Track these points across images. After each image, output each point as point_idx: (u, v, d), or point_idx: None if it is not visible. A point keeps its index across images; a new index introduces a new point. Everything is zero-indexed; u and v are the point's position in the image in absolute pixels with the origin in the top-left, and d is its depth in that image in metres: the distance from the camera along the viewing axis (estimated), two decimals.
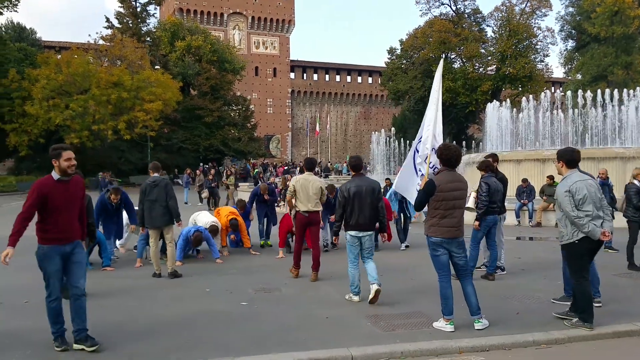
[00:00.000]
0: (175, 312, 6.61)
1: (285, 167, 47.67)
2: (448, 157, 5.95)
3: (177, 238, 9.99)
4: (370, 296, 6.84)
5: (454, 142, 53.57)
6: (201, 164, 42.15)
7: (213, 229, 10.45)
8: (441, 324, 5.82)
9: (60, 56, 40.54)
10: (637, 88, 25.23)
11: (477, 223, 8.22)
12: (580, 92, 27.30)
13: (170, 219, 8.73)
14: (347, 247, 7.18)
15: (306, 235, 8.81)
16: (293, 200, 8.46)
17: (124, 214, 10.36)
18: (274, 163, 56.29)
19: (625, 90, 25.31)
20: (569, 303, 6.34)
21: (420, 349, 5.24)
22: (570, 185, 5.78)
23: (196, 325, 6.01)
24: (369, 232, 7.06)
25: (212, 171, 28.42)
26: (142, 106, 37.87)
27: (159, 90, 39.26)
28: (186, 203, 24.13)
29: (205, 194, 23.91)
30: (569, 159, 6.03)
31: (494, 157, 8.94)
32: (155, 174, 8.93)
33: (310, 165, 8.81)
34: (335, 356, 5.05)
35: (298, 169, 40.00)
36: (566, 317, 6.06)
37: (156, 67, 44.05)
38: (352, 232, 7.04)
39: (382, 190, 8.13)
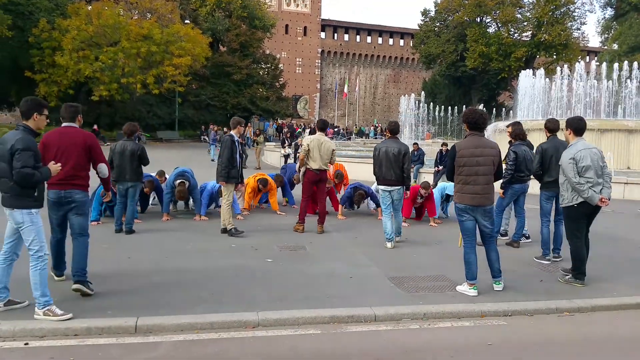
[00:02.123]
0: (201, 265, 6.74)
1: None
2: (474, 119, 5.94)
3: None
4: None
5: (484, 108, 52.75)
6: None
7: None
8: (464, 288, 5.88)
9: (90, 7, 40.44)
10: None
11: (501, 191, 8.13)
12: (616, 63, 26.34)
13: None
14: (381, 199, 8.39)
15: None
16: (305, 159, 8.91)
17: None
18: (302, 124, 56.21)
19: None
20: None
21: (442, 311, 5.30)
22: (575, 153, 6.09)
23: (221, 279, 6.14)
24: (397, 187, 8.04)
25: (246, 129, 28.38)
26: (171, 61, 37.81)
27: (188, 45, 39.08)
28: (213, 160, 24.35)
29: None
30: (577, 127, 6.34)
31: (518, 125, 8.67)
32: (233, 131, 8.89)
33: (322, 125, 9.35)
34: (358, 314, 5.13)
35: (308, 130, 39.87)
36: (567, 272, 6.46)
37: (186, 21, 43.77)
38: (382, 187, 8.14)
39: (410, 153, 8.45)
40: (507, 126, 8.80)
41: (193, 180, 10.02)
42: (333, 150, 9.00)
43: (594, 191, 6.01)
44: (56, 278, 5.85)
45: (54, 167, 4.94)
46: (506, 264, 7.06)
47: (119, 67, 37.01)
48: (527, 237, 8.71)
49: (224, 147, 8.59)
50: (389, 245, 8.02)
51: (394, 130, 8.39)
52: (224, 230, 8.69)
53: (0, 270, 4.92)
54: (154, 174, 10.52)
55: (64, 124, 5.72)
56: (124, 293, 5.52)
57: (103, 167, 5.73)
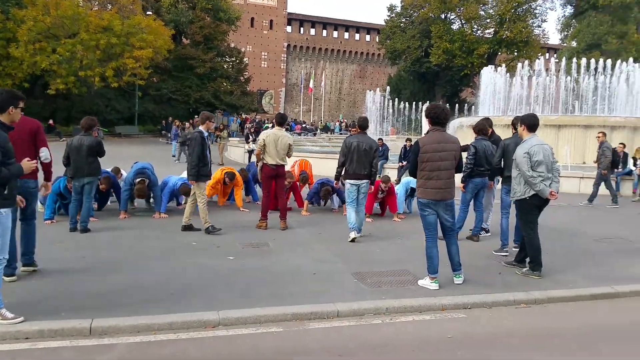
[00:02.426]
0: (160, 264, 6.59)
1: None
2: (436, 114, 6.00)
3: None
4: (349, 239, 8.05)
5: (447, 104, 53.44)
6: (195, 116, 41.73)
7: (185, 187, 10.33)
8: (426, 282, 5.94)
9: None
10: (630, 59, 25.16)
11: (461, 185, 8.30)
12: (574, 60, 27.12)
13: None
14: (346, 192, 8.34)
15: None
16: (261, 154, 8.84)
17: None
18: (266, 119, 55.87)
19: (618, 62, 25.21)
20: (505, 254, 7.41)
21: (404, 305, 5.34)
22: (529, 148, 6.38)
23: (182, 278, 6.01)
24: (365, 181, 8.20)
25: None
26: (132, 53, 36.91)
27: (149, 37, 38.20)
28: (173, 156, 23.87)
29: None
30: (530, 123, 6.62)
31: (489, 121, 8.87)
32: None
33: (280, 120, 9.22)
34: (321, 311, 5.11)
35: (271, 124, 39.67)
36: (516, 265, 6.77)
37: (148, 12, 42.83)
38: (351, 181, 8.20)
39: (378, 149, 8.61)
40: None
41: (153, 177, 9.79)
42: (290, 145, 8.93)
43: (545, 185, 6.30)
44: (7, 279, 5.45)
45: (28, 164, 4.75)
46: (466, 257, 7.16)
47: (77, 60, 35.94)
48: (487, 231, 8.88)
49: (194, 144, 8.34)
50: (352, 234, 8.12)
51: (363, 125, 8.52)
52: (185, 228, 8.54)
53: None
54: (109, 170, 10.19)
55: None
56: (78, 294, 5.34)
57: (46, 151, 5.73)
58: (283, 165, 9.01)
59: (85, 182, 8.32)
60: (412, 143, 12.31)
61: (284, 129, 9.19)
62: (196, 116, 41.18)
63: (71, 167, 8.30)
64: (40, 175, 5.85)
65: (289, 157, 9.06)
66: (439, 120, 6.00)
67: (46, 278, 5.39)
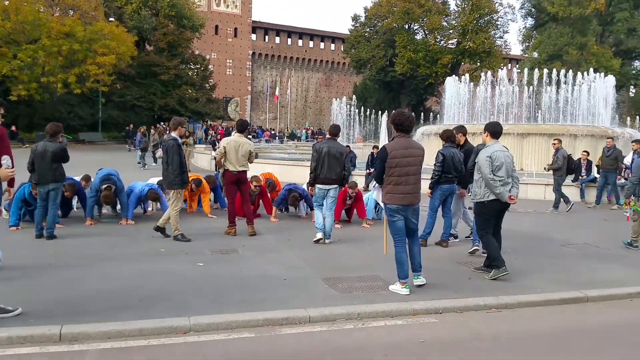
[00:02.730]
0: (129, 271, 6.47)
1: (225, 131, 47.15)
2: (401, 121, 6.07)
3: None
4: (314, 240, 8.34)
5: (412, 112, 54.12)
6: (161, 123, 41.19)
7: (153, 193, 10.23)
8: (397, 287, 5.96)
9: (8, 2, 38.12)
10: (590, 69, 26.02)
11: (429, 191, 8.42)
12: (536, 70, 27.93)
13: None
14: (315, 197, 8.61)
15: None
16: (222, 160, 8.86)
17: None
18: (232, 127, 55.44)
19: (579, 72, 26.08)
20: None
21: (376, 310, 5.34)
22: (491, 152, 6.67)
23: (151, 284, 5.91)
24: (334, 186, 8.42)
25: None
26: (95, 59, 36.33)
27: (112, 44, 37.68)
28: (139, 163, 23.46)
29: (159, 153, 23.33)
30: (494, 130, 6.93)
31: (462, 129, 9.01)
32: (174, 133, 8.51)
33: (241, 127, 9.28)
34: (293, 316, 5.08)
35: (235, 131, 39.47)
36: (485, 270, 6.84)
37: (110, 19, 42.22)
38: (320, 185, 8.41)
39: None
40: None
41: (120, 183, 9.61)
42: (251, 151, 8.93)
43: (504, 189, 6.56)
44: None
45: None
46: (436, 263, 7.31)
47: (39, 66, 35.18)
48: (456, 237, 8.99)
49: (171, 152, 8.21)
50: (319, 235, 8.34)
51: (334, 132, 8.78)
52: (158, 229, 8.44)
53: None
54: (78, 178, 9.98)
55: None
56: (46, 301, 5.18)
57: (7, 159, 5.46)
58: (245, 172, 8.97)
59: (50, 189, 8.14)
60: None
61: (245, 136, 9.24)
62: (161, 123, 40.67)
63: (36, 174, 8.12)
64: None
65: (250, 163, 9.05)
66: (403, 127, 6.06)
67: (13, 284, 5.20)
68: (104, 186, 9.35)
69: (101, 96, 40.60)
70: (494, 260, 6.69)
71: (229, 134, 32.79)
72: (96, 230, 9.00)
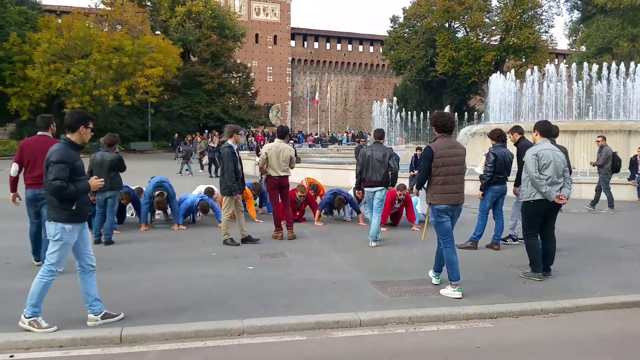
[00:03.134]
0: (182, 274, 6.62)
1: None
2: (443, 122, 6.05)
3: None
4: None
5: (455, 113, 53.46)
6: (206, 131, 42.07)
7: (209, 190, 10.71)
8: (448, 291, 5.83)
9: (61, 20, 39.94)
10: None
11: (480, 193, 8.25)
12: (585, 64, 26.97)
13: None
14: (365, 202, 9.04)
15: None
16: (264, 166, 8.94)
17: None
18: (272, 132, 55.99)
19: (632, 64, 25.01)
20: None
21: (427, 314, 5.26)
22: (538, 150, 6.49)
23: (203, 288, 6.03)
24: (380, 187, 8.47)
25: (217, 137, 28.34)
26: (143, 72, 37.59)
27: (159, 56, 38.90)
28: (187, 170, 24.04)
29: (205, 160, 23.88)
30: (543, 129, 6.75)
31: (518, 128, 8.55)
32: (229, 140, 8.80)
33: (281, 132, 9.29)
34: (343, 320, 5.07)
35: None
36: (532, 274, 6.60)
37: (157, 32, 43.54)
38: (367, 188, 8.61)
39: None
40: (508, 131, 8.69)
41: (171, 190, 9.92)
42: (292, 157, 9.03)
43: (551, 188, 6.32)
44: (35, 263, 6.70)
45: (95, 182, 4.95)
46: (488, 266, 7.16)
47: (91, 79, 36.74)
48: (515, 239, 8.66)
49: (226, 159, 8.42)
50: (373, 244, 8.43)
51: (379, 136, 9.02)
52: (245, 240, 8.63)
53: (83, 284, 4.92)
54: (133, 187, 10.37)
55: (39, 133, 6.60)
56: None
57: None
58: (287, 177, 9.06)
59: (107, 196, 8.51)
60: None
61: (285, 141, 9.32)
62: (206, 131, 41.46)
63: None
64: None
65: (292, 168, 9.14)
66: (445, 127, 6.03)
67: (74, 288, 5.39)
68: (157, 192, 9.66)
69: (150, 107, 41.90)
70: (532, 262, 6.54)
71: (271, 140, 33.23)
72: (150, 235, 9.29)
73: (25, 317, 4.66)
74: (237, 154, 8.61)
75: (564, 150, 8.47)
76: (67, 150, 4.75)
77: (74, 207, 4.69)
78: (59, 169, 4.59)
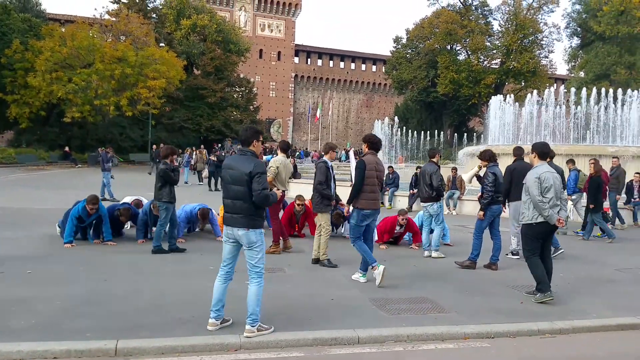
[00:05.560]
0: (180, 287, 6.61)
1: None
2: (374, 142, 7.30)
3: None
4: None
5: (455, 134, 53.73)
6: (202, 146, 42.09)
7: (136, 203, 10.75)
8: (357, 276, 7.20)
9: (64, 29, 40.17)
10: None
11: (481, 213, 8.30)
12: (584, 90, 27.22)
13: None
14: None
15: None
16: (273, 181, 8.80)
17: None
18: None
19: (629, 90, 25.27)
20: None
21: (426, 333, 5.28)
22: (540, 173, 6.55)
23: (202, 301, 5.94)
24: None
25: (217, 151, 28.48)
26: (146, 83, 37.71)
27: (162, 68, 39.04)
28: (186, 182, 24.13)
29: (205, 173, 23.98)
30: (542, 151, 6.83)
31: (520, 150, 8.95)
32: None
33: (285, 146, 9.57)
34: (342, 337, 5.08)
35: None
36: (534, 294, 6.63)
37: (161, 44, 43.75)
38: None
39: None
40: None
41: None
42: (292, 172, 9.15)
43: (553, 212, 6.42)
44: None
45: (278, 192, 5.56)
46: (486, 285, 7.17)
47: (93, 89, 36.78)
48: (516, 254, 9.05)
49: (319, 173, 8.26)
50: (434, 254, 9.01)
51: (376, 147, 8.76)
52: (315, 261, 8.37)
53: (221, 290, 5.19)
54: (129, 199, 10.49)
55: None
56: (102, 315, 5.35)
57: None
58: (285, 191, 9.25)
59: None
60: None
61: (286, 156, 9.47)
62: (202, 146, 41.48)
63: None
64: None
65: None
66: (375, 146, 7.31)
67: (68, 298, 5.40)
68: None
69: (151, 118, 41.92)
70: (539, 283, 6.57)
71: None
72: (149, 247, 9.21)
73: (253, 326, 4.94)
74: (331, 170, 8.36)
75: (560, 172, 8.69)
76: (263, 162, 5.19)
77: (263, 214, 5.13)
78: (264, 179, 4.97)
